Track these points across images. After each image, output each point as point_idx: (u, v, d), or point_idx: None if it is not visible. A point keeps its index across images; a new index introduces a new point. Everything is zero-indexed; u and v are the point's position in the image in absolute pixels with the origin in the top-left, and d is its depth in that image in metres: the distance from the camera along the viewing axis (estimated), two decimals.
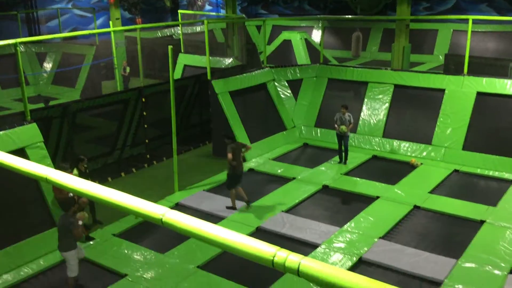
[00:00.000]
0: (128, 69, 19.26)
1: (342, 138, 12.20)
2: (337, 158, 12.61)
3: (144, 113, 12.77)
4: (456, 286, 7.36)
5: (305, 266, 2.19)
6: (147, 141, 13.05)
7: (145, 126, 12.91)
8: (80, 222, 7.19)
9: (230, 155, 9.65)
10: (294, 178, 11.64)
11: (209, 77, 13.16)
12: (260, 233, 9.02)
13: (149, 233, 9.29)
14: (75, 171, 8.90)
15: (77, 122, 11.56)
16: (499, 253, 8.22)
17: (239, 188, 10.02)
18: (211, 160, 13.23)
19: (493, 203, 10.09)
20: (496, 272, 7.69)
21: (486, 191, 11.06)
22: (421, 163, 12.27)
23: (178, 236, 8.87)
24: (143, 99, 12.65)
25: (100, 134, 12.58)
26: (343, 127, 11.94)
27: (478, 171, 11.82)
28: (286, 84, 15.12)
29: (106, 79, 20.37)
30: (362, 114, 14.01)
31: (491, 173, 11.69)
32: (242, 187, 10.06)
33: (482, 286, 7.33)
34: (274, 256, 2.26)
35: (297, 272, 2.21)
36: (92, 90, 18.67)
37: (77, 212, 7.21)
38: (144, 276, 7.79)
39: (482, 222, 9.34)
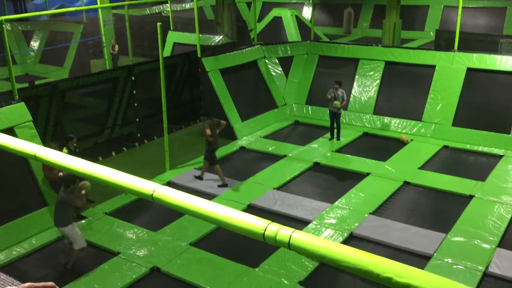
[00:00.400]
0: (117, 47, 19.00)
1: (334, 115, 12.20)
2: (328, 135, 12.64)
3: (134, 92, 12.65)
4: (445, 259, 7.48)
5: (296, 239, 2.20)
6: (137, 120, 12.96)
7: (135, 105, 12.81)
8: (83, 192, 7.26)
9: (208, 131, 9.78)
10: (285, 156, 11.67)
11: (199, 54, 13.03)
12: (252, 210, 9.08)
13: (141, 211, 9.31)
14: (64, 150, 8.83)
15: (66, 101, 11.43)
16: (488, 227, 8.36)
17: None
18: (202, 138, 13.15)
19: (482, 178, 10.21)
20: (485, 245, 7.82)
21: (475, 166, 11.18)
22: (411, 140, 12.34)
23: (170, 214, 8.91)
24: (133, 78, 12.52)
25: (90, 113, 12.47)
26: (337, 103, 11.93)
27: (468, 146, 11.92)
28: (277, 62, 15.03)
29: (94, 57, 20.10)
30: (353, 91, 13.99)
31: (480, 148, 11.80)
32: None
33: (471, 259, 7.46)
34: (265, 230, 2.27)
35: (288, 245, 2.21)
36: (81, 69, 18.42)
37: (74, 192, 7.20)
38: (137, 253, 7.83)
39: (471, 197, 9.46)
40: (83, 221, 8.77)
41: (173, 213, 8.93)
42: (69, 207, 7.13)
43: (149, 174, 10.52)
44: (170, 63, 13.74)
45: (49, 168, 8.56)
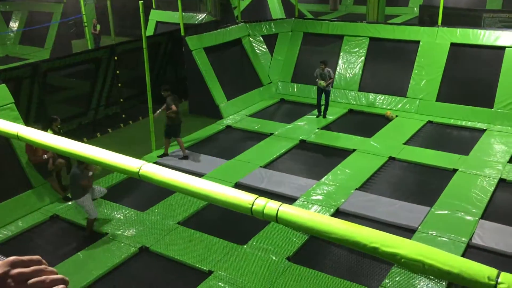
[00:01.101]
0: (98, 27, 18.67)
1: (324, 92, 12.19)
2: (315, 111, 12.66)
3: (117, 72, 12.49)
4: (430, 232, 7.62)
5: (283, 212, 2.22)
6: (121, 100, 12.83)
7: (119, 85, 12.67)
8: (90, 173, 7.55)
9: (174, 107, 9.95)
10: (271, 134, 11.68)
11: (182, 33, 12.87)
12: (239, 189, 9.06)
13: (128, 192, 9.29)
14: (49, 131, 8.72)
15: (48, 83, 11.26)
16: (471, 199, 8.51)
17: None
18: (188, 118, 13.09)
19: (465, 152, 10.36)
20: (468, 217, 7.98)
21: (458, 140, 11.32)
22: (396, 116, 12.43)
23: (157, 194, 8.91)
24: (116, 58, 12.35)
25: (73, 94, 12.31)
26: (322, 82, 11.93)
27: (451, 121, 12.05)
28: (262, 39, 14.91)
29: (76, 37, 19.73)
30: (338, 68, 13.98)
31: (463, 123, 11.94)
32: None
33: (455, 231, 7.61)
34: (252, 204, 2.28)
35: (276, 219, 2.23)
36: (62, 50, 18.09)
37: (53, 173, 7.21)
38: (125, 234, 7.84)
39: (454, 170, 9.60)
40: (69, 203, 8.72)
41: (161, 193, 8.94)
42: (78, 182, 7.48)
43: (134, 154, 10.32)
44: (153, 42, 13.55)
45: (33, 150, 8.46)
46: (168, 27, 16.06)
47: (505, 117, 11.66)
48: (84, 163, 7.30)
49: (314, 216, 2.16)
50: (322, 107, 12.47)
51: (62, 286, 1.02)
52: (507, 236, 7.45)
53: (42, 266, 1.03)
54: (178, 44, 13.49)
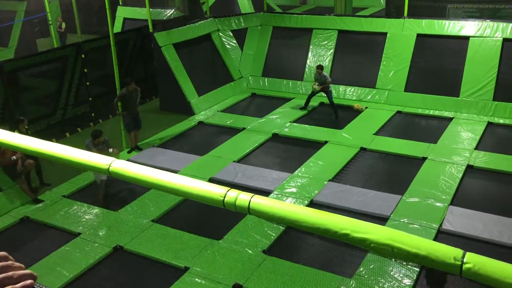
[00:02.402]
0: (64, 25, 18.28)
1: (325, 93, 12.20)
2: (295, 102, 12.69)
3: (85, 70, 12.27)
4: (402, 220, 7.78)
5: (255, 203, 2.24)
6: (90, 99, 12.62)
7: (87, 83, 12.45)
8: (111, 150, 8.52)
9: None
10: (244, 128, 11.69)
11: (150, 29, 12.72)
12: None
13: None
14: (15, 132, 8.52)
15: (14, 83, 10.96)
16: (440, 186, 8.72)
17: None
18: (158, 115, 13.03)
19: (433, 140, 10.59)
20: (438, 204, 8.17)
21: (427, 129, 11.57)
22: (366, 107, 12.59)
23: (130, 193, 8.84)
24: (83, 56, 12.12)
25: (40, 94, 12.01)
26: (316, 87, 12.04)
27: (419, 111, 12.30)
28: (231, 34, 14.87)
29: (41, 36, 19.28)
30: (308, 61, 14.08)
31: (431, 112, 12.20)
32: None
33: (426, 218, 7.79)
34: (224, 196, 2.29)
35: (248, 210, 2.24)
36: (27, 49, 17.65)
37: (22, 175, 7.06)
38: (99, 233, 7.74)
39: (424, 159, 9.81)
40: (40, 205, 8.55)
41: (134, 192, 8.86)
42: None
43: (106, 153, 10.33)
44: (121, 39, 13.34)
45: (1, 152, 8.26)
46: (136, 23, 15.83)
47: (470, 105, 11.97)
48: (96, 138, 8.29)
49: (285, 206, 2.18)
50: (332, 110, 12.35)
51: (30, 281, 1.01)
52: (475, 220, 7.67)
53: (9, 262, 1.02)
54: (147, 40, 13.34)
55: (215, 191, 2.28)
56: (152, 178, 2.46)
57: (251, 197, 2.20)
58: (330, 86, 12.14)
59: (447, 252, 1.76)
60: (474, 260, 1.74)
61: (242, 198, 2.24)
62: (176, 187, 2.41)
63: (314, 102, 13.16)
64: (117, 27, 16.84)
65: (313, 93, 12.40)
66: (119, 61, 11.11)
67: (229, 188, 2.34)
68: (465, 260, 1.75)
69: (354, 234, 1.96)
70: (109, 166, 2.54)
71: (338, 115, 12.18)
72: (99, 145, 8.37)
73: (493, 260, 1.76)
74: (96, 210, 8.42)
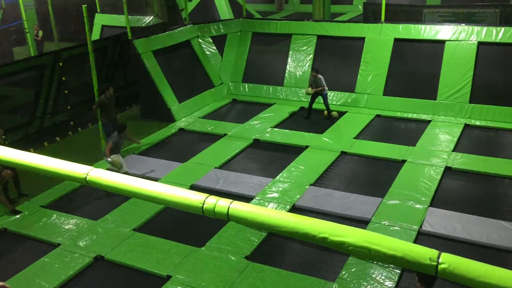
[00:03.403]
0: (41, 33, 18.05)
1: (316, 97, 12.33)
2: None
3: (63, 78, 12.13)
4: (382, 222, 7.85)
5: (234, 209, 2.24)
6: (69, 107, 12.46)
7: (66, 92, 12.30)
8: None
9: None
10: (225, 135, 11.68)
11: (129, 37, 12.66)
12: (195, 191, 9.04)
13: (79, 202, 9.05)
14: None
15: None
16: (420, 188, 8.83)
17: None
18: (139, 122, 12.93)
19: (412, 143, 10.74)
20: (418, 206, 8.27)
21: (406, 132, 11.72)
22: (338, 114, 12.56)
23: (110, 202, 8.74)
24: (61, 64, 11.98)
25: (17, 103, 11.82)
26: (309, 89, 12.14)
27: (398, 114, 12.47)
28: (211, 40, 14.88)
29: (17, 45, 19.02)
30: (287, 66, 14.16)
31: (409, 115, 12.37)
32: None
33: (406, 220, 7.88)
34: (203, 203, 2.29)
35: (227, 216, 2.25)
36: (3, 57, 17.40)
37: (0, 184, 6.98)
38: (79, 244, 7.63)
39: (403, 161, 9.93)
40: (17, 216, 8.40)
41: (114, 201, 8.76)
42: (119, 147, 9.27)
43: (85, 162, 10.16)
44: (100, 47, 13.25)
45: None
46: (115, 30, 15.74)
47: (447, 108, 12.18)
48: (122, 131, 9.18)
49: (264, 211, 2.19)
50: (324, 110, 12.52)
51: None
52: (454, 221, 7.79)
53: None
54: (126, 47, 13.26)
55: (194, 198, 2.28)
56: (129, 186, 2.45)
57: (230, 203, 2.21)
58: (326, 89, 12.24)
59: (423, 253, 1.79)
60: (449, 261, 1.78)
61: (221, 204, 2.25)
62: (155, 194, 2.41)
63: (295, 107, 13.24)
64: (95, 35, 16.73)
65: (312, 98, 12.45)
66: (98, 69, 11.03)
67: (208, 194, 2.35)
68: (440, 260, 1.79)
69: (332, 238, 1.99)
70: (87, 175, 2.52)
71: (331, 115, 12.38)
72: (123, 138, 9.39)
73: (468, 260, 1.80)
74: (75, 220, 8.30)
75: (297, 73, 14.02)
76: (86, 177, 2.52)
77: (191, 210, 2.27)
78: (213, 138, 11.59)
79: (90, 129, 12.48)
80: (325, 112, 12.57)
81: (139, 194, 2.46)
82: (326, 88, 12.26)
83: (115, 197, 8.77)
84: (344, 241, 1.97)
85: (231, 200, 2.22)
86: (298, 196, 8.75)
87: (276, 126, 12.13)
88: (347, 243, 1.97)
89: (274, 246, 7.51)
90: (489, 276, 1.66)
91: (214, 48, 14.85)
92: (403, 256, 1.85)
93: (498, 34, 12.09)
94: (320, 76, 12.15)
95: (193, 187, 9.28)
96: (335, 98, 13.38)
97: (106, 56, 13.60)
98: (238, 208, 2.20)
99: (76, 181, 2.62)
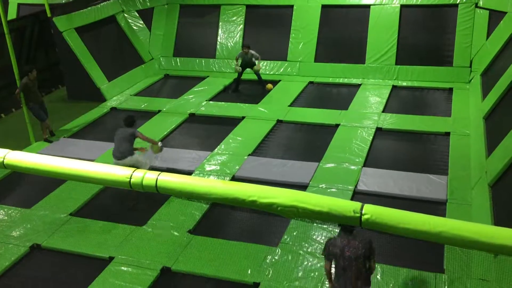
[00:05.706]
0: None
1: (245, 68, 12.20)
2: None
3: None
4: (320, 185, 8.09)
5: (162, 181, 2.22)
6: None
7: None
8: (160, 145, 8.36)
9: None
10: (159, 111, 11.47)
11: (49, 14, 11.97)
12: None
13: (9, 190, 8.63)
14: None
15: None
16: (353, 150, 9.14)
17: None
18: (66, 104, 12.40)
19: (345, 107, 11.04)
20: (353, 167, 8.57)
21: (338, 97, 12.01)
22: (271, 85, 12.61)
23: (43, 189, 8.41)
24: None
25: None
26: (255, 67, 12.03)
27: (330, 80, 12.73)
28: (137, 15, 14.38)
29: None
30: (219, 38, 14.00)
31: (341, 80, 12.67)
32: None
33: (342, 181, 8.15)
34: (130, 177, 2.25)
35: (156, 188, 2.22)
36: None
37: None
38: (12, 234, 7.30)
39: (337, 125, 10.21)
40: None
41: (47, 186, 8.41)
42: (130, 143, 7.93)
43: (12, 149, 9.69)
44: (17, 26, 12.44)
45: None
46: (33, 8, 14.81)
47: (376, 71, 12.58)
48: (131, 125, 8.09)
49: (192, 180, 2.18)
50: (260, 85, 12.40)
51: None
52: (387, 178, 8.15)
53: None
54: (46, 26, 12.55)
55: (120, 173, 2.22)
56: (52, 166, 2.34)
57: (158, 175, 2.18)
58: (260, 66, 12.17)
59: (347, 206, 1.87)
60: (371, 211, 1.86)
61: (149, 177, 2.21)
62: (79, 173, 2.32)
63: (229, 79, 13.17)
64: (12, 14, 15.67)
65: (240, 74, 12.35)
66: (17, 51, 10.39)
67: (135, 169, 2.30)
68: (363, 211, 1.87)
69: (261, 200, 2.02)
70: (3, 158, 2.39)
71: (266, 88, 12.35)
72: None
73: (388, 209, 1.90)
74: (6, 209, 7.92)
75: (229, 44, 13.90)
76: (3, 161, 2.39)
77: (118, 186, 2.23)
78: (147, 115, 11.34)
79: (14, 114, 11.85)
80: (268, 85, 12.50)
81: (64, 174, 2.37)
82: (260, 58, 12.21)
83: (48, 182, 8.41)
84: (273, 202, 2.00)
85: (159, 172, 2.19)
86: (237, 167, 8.80)
87: (211, 99, 12.05)
88: (276, 203, 2.01)
89: (217, 218, 7.55)
90: (407, 222, 1.75)
91: (141, 22, 14.39)
92: (328, 210, 1.92)
93: None
94: (252, 51, 12.07)
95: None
96: (268, 67, 13.43)
97: (25, 36, 12.81)
98: (166, 179, 2.18)
99: None
